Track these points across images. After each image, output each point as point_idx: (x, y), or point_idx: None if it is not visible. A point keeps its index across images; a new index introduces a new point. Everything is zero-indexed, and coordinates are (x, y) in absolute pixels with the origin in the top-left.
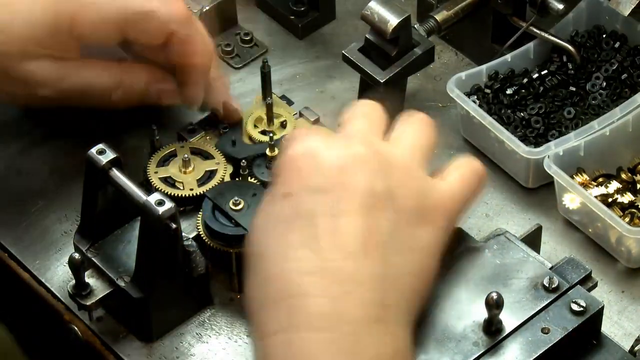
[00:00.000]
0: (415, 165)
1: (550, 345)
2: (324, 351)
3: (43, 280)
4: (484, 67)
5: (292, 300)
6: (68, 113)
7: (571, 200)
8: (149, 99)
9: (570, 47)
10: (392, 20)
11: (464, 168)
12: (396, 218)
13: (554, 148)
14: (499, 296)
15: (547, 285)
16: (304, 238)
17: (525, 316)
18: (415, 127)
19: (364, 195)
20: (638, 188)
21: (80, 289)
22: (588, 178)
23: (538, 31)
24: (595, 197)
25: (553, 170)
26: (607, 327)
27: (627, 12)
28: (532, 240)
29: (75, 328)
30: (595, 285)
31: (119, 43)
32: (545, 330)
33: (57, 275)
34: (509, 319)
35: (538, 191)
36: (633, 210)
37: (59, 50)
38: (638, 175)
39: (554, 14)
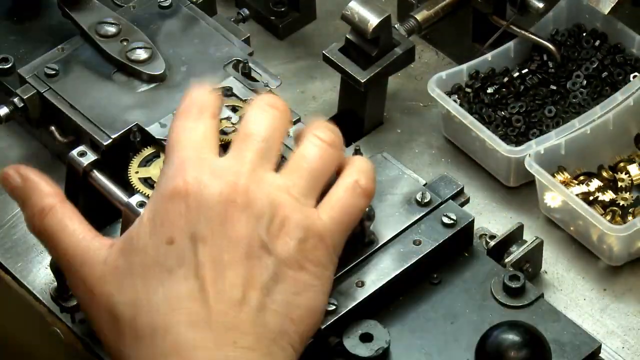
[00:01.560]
0: (297, 197)
1: (421, 256)
2: None
3: (25, 283)
4: (464, 66)
5: (184, 354)
6: (50, 114)
7: (552, 198)
8: None
9: (550, 45)
10: (373, 20)
11: (346, 193)
12: (277, 264)
13: (535, 147)
14: (371, 209)
15: (420, 199)
16: (190, 289)
17: (398, 229)
18: (310, 150)
19: (245, 245)
20: (619, 186)
21: (63, 292)
22: (569, 176)
23: (518, 30)
24: (577, 195)
25: (534, 168)
26: (589, 325)
27: (607, 11)
28: (514, 238)
29: (58, 330)
30: (467, 201)
31: None
32: (416, 242)
33: (39, 278)
34: (382, 232)
35: (519, 190)
36: (614, 208)
37: None
38: (619, 173)
39: (534, 12)
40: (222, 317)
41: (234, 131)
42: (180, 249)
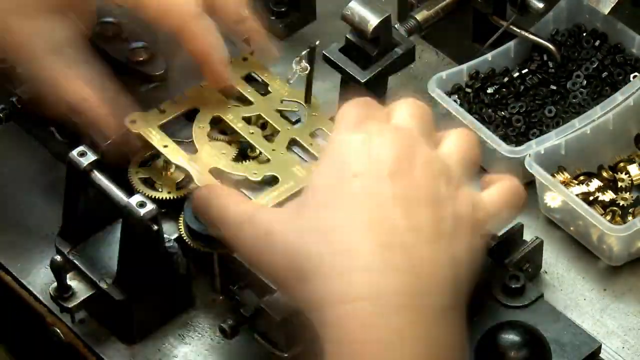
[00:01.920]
0: (464, 178)
1: None
2: (406, 327)
3: (25, 283)
4: (464, 66)
5: (372, 274)
6: (50, 114)
7: (552, 198)
8: None
9: (550, 45)
10: (373, 20)
11: (505, 186)
12: (455, 218)
13: (535, 147)
14: None
15: None
16: (379, 218)
17: None
18: (462, 141)
19: (430, 191)
20: (619, 186)
21: (63, 292)
22: (569, 176)
23: (518, 30)
24: (577, 195)
25: (534, 169)
26: (589, 325)
27: (606, 11)
28: (514, 238)
29: (58, 330)
30: None
31: None
32: None
33: (39, 278)
34: None
35: None
36: (614, 208)
37: None
38: (619, 173)
39: (534, 12)
40: (411, 246)
41: (232, 133)
42: (367, 182)
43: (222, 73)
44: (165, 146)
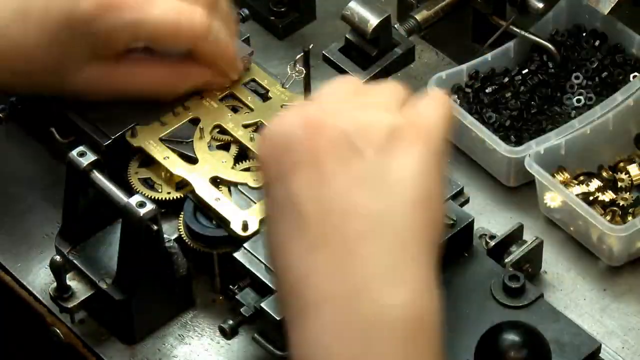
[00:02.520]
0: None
1: None
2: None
3: (25, 283)
4: (464, 66)
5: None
6: (50, 114)
7: (552, 198)
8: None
9: (550, 46)
10: (372, 20)
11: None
12: (373, 154)
13: (535, 147)
14: None
15: None
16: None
17: None
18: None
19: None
20: (619, 186)
21: (62, 292)
22: (569, 176)
23: (518, 30)
24: (577, 195)
25: (534, 169)
26: (589, 325)
27: (606, 11)
28: (514, 238)
29: (58, 330)
30: (467, 201)
31: None
32: None
33: (38, 278)
34: None
35: (519, 190)
36: (614, 208)
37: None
38: (619, 173)
39: (534, 12)
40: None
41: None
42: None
43: (233, 74)
44: (166, 158)
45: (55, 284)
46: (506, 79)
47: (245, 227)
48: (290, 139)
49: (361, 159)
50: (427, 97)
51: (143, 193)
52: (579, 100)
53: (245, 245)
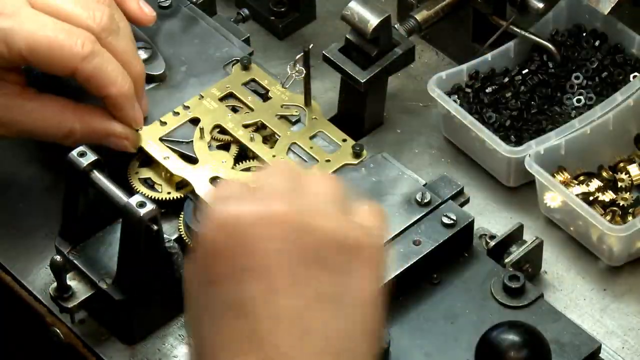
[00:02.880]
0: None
1: (421, 256)
2: None
3: (25, 283)
4: (464, 66)
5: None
6: None
7: (552, 198)
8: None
9: (550, 45)
10: (373, 21)
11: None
12: (326, 274)
13: (535, 147)
14: None
15: (420, 200)
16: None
17: (398, 229)
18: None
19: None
20: (619, 186)
21: (62, 292)
22: (569, 177)
23: (518, 30)
24: (577, 195)
25: (534, 169)
26: (589, 325)
27: (606, 11)
28: (514, 238)
29: (58, 331)
30: (467, 201)
31: None
32: (416, 242)
33: (39, 278)
34: None
35: (519, 190)
36: (614, 208)
37: None
38: (619, 173)
39: (534, 12)
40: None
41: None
42: (225, 289)
43: (127, 110)
44: (166, 158)
45: (55, 284)
46: (506, 79)
47: None
48: (249, 238)
49: (320, 272)
50: (365, 207)
51: (143, 193)
52: (579, 100)
53: None
